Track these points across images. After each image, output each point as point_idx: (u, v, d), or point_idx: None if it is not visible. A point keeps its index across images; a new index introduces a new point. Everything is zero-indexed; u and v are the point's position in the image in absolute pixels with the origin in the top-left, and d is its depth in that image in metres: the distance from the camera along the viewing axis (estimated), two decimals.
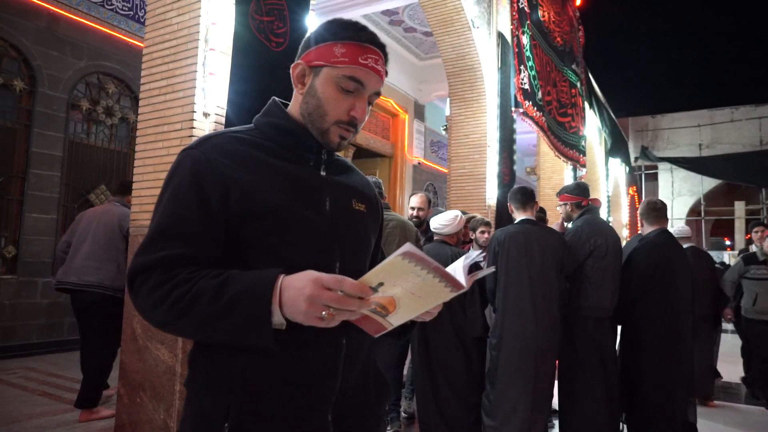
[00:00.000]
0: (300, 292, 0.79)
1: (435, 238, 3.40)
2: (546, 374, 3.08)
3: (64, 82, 5.99)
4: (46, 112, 5.86)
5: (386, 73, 1.10)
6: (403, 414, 3.98)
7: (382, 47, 1.05)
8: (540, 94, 6.80)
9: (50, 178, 5.87)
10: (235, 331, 0.84)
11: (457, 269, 0.87)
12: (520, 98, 6.20)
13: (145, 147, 3.18)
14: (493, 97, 6.55)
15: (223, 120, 3.04)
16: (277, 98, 1.11)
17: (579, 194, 3.64)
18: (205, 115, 3.00)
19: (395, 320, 0.86)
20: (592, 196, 3.71)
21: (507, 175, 6.59)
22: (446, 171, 6.98)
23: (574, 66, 8.64)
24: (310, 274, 0.80)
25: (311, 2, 3.70)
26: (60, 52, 5.95)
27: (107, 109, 6.53)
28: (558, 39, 7.89)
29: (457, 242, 3.41)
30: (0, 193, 5.57)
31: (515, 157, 6.93)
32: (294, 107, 1.08)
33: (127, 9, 6.60)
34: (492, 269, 1.02)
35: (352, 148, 10.42)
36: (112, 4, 6.44)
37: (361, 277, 0.79)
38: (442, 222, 3.34)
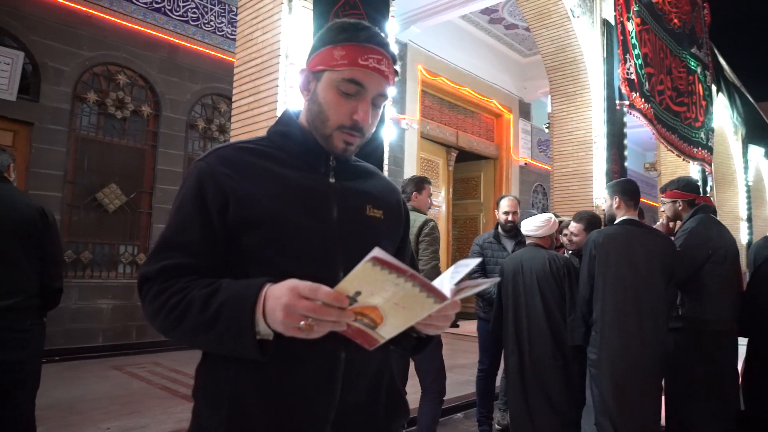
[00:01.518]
0: (278, 302, 0.77)
1: (528, 241, 3.22)
2: (652, 396, 2.76)
3: (183, 104, 6.62)
4: (169, 133, 6.51)
5: (396, 72, 1.04)
6: (496, 426, 3.81)
7: (384, 46, 0.99)
8: (648, 84, 6.19)
9: (173, 193, 6.50)
10: (223, 341, 0.83)
11: (445, 279, 0.79)
12: (625, 90, 5.69)
13: None
14: (598, 89, 6.09)
15: None
16: (290, 108, 1.09)
17: (691, 191, 3.23)
18: None
19: (385, 333, 0.80)
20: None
21: (617, 173, 6.08)
22: None
23: (694, 49, 7.76)
24: (289, 283, 0.78)
25: (391, 9, 3.71)
26: (179, 78, 6.58)
27: (220, 127, 7.09)
28: (675, 21, 7.13)
29: (551, 245, 3.20)
30: (132, 207, 6.28)
31: (626, 153, 6.37)
32: (303, 115, 1.06)
33: (236, 34, 7.13)
34: (495, 280, 0.90)
35: (455, 151, 10.30)
36: (222, 31, 7.00)
37: (337, 285, 0.74)
38: (535, 224, 3.15)
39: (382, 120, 3.56)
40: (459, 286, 0.79)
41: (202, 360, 0.98)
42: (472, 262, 0.86)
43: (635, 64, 6.05)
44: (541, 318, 2.95)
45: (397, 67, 1.05)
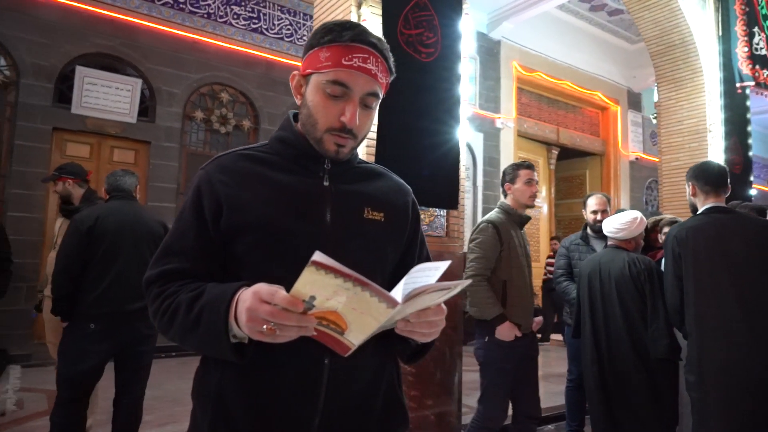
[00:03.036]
0: (243, 305, 0.78)
1: (609, 242, 2.96)
2: None
3: (279, 117, 6.99)
4: None
5: (389, 70, 1.00)
6: None
7: (372, 44, 0.96)
8: None
9: None
10: (203, 343, 0.87)
11: (400, 284, 0.75)
12: (748, 69, 5.03)
13: None
14: (712, 72, 5.46)
15: (374, 143, 3.15)
16: (292, 112, 1.10)
17: None
18: None
19: (354, 338, 0.78)
20: None
21: (738, 164, 5.40)
22: None
23: None
24: (255, 287, 0.78)
25: (464, 6, 3.62)
26: (275, 92, 6.96)
27: None
28: None
29: (635, 248, 2.90)
30: None
31: (751, 141, 5.64)
32: (299, 119, 1.06)
33: None
34: (466, 282, 0.81)
35: (556, 149, 9.81)
36: None
37: (291, 289, 0.74)
38: (617, 225, 2.88)
39: (456, 120, 3.48)
40: (418, 290, 0.74)
41: (199, 362, 1.01)
42: (441, 266, 0.80)
43: (767, 36, 5.35)
44: (621, 327, 2.67)
45: (392, 63, 1.01)
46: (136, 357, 2.70)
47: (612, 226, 2.90)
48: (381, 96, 1.00)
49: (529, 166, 2.87)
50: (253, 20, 6.86)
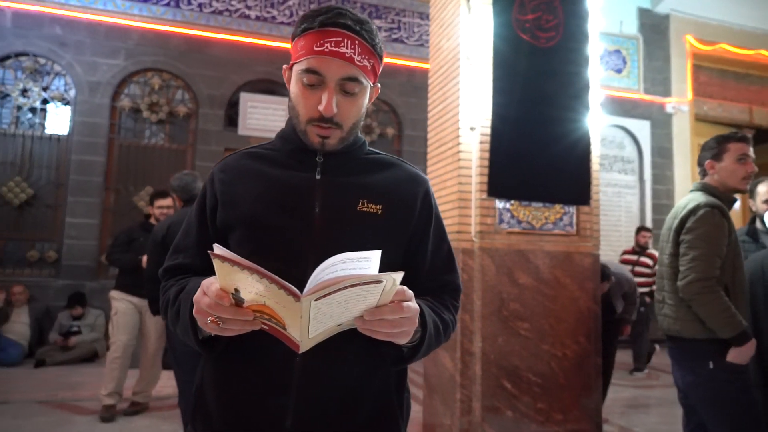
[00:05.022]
0: (195, 299, 0.79)
1: None
2: None
3: (421, 123, 7.07)
4: (411, 150, 7.04)
5: (374, 51, 0.94)
6: None
7: (345, 26, 0.90)
8: None
9: None
10: (184, 335, 0.91)
11: (312, 275, 0.69)
12: None
13: (432, 169, 3.46)
14: None
15: (488, 132, 3.01)
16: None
17: None
18: (471, 128, 3.05)
19: (296, 334, 0.74)
20: None
21: None
22: None
23: None
24: (205, 280, 0.79)
25: None
26: (417, 98, 7.07)
27: None
28: None
29: None
30: None
31: None
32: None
33: None
34: (398, 274, 0.70)
35: (750, 131, 8.30)
36: None
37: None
38: None
39: (586, 106, 3.15)
40: (327, 282, 0.67)
41: None
42: (372, 255, 0.72)
43: None
44: None
45: (377, 44, 0.95)
46: None
47: None
48: (364, 80, 0.94)
49: (743, 138, 2.25)
50: (394, 30, 7.07)
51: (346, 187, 0.98)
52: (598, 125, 3.32)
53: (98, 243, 5.95)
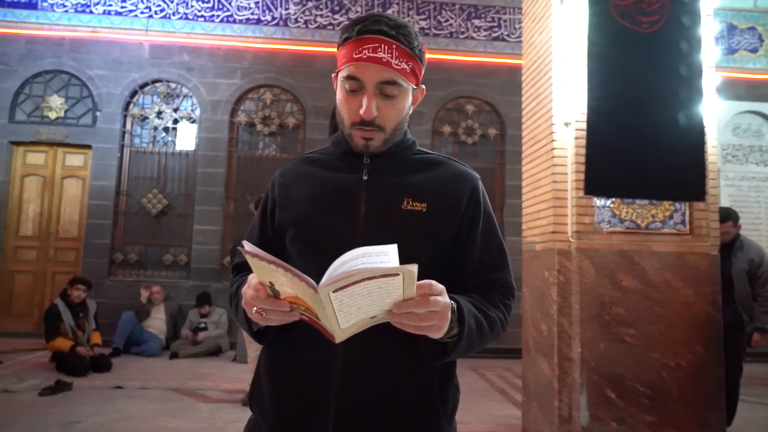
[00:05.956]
0: (242, 291, 0.88)
1: None
2: None
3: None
4: (514, 150, 6.84)
5: (413, 53, 0.96)
6: None
7: (381, 32, 0.94)
8: None
9: (516, 206, 6.79)
10: (243, 326, 0.99)
11: (330, 268, 0.73)
12: None
13: (526, 168, 3.36)
14: None
15: (584, 128, 2.86)
16: None
17: None
18: (566, 124, 2.92)
19: (329, 326, 0.78)
20: None
21: None
22: None
23: None
24: (252, 275, 0.87)
25: None
26: (519, 96, 6.85)
27: None
28: None
29: None
30: None
31: None
32: None
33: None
34: (413, 267, 0.68)
35: None
36: None
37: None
38: None
39: (699, 92, 2.86)
40: (341, 275, 0.70)
41: None
42: (389, 249, 0.74)
43: None
44: None
45: (416, 45, 0.97)
46: None
47: None
48: (403, 83, 0.96)
49: None
50: (494, 29, 6.94)
51: (392, 186, 1.01)
52: (715, 112, 3.00)
53: (221, 247, 6.54)
